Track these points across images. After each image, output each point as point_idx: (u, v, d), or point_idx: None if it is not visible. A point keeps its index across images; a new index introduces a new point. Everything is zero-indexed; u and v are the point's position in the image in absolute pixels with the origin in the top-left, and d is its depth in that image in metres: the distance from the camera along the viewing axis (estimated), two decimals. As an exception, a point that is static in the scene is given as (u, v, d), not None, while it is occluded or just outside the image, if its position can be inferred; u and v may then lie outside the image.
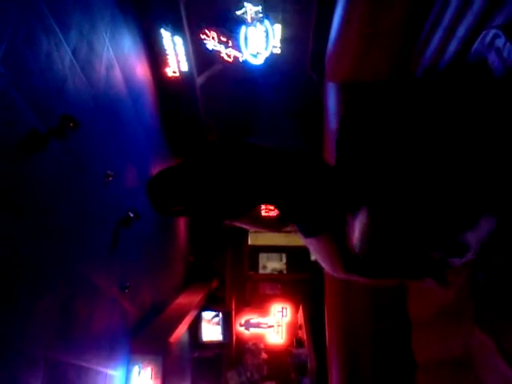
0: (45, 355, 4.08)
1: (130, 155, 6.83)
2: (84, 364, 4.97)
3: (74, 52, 4.76)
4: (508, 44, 1.76)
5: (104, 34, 5.86)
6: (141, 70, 8.00)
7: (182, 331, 8.36)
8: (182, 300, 9.79)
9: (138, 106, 7.62)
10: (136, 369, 6.52)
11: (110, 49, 6.06)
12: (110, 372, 5.82)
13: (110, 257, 5.83)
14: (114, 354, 6.01)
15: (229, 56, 8.66)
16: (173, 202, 1.55)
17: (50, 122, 4.08)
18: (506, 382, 1.94)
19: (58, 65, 4.42)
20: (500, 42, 1.80)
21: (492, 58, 1.84)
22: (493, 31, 1.87)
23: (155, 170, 1.53)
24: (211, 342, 11.65)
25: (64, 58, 4.55)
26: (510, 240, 1.44)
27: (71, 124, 4.14)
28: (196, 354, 11.26)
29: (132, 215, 6.24)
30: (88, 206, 5.14)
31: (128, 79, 6.91)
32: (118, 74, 6.42)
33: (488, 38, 1.89)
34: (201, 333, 11.54)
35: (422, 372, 2.95)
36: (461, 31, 2.56)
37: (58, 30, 4.35)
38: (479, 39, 1.97)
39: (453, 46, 2.68)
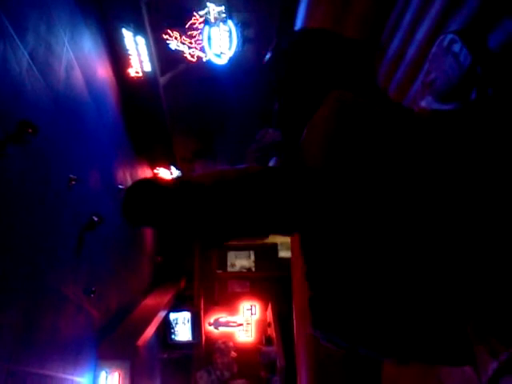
0: (7, 366, 3.99)
1: (92, 157, 6.72)
2: (49, 372, 4.89)
3: (31, 54, 4.65)
4: (464, 49, 1.82)
5: (63, 34, 5.73)
6: (102, 70, 7.87)
7: (150, 333, 8.29)
8: (150, 301, 9.71)
9: (101, 107, 7.49)
10: (103, 374, 6.44)
11: (70, 50, 5.93)
12: (76, 379, 5.73)
13: (74, 262, 5.74)
14: (80, 360, 5.92)
15: (192, 56, 8.60)
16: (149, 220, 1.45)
17: (7, 128, 3.98)
18: (467, 381, 2.00)
19: (15, 68, 4.31)
20: (457, 47, 1.84)
21: (449, 62, 1.90)
22: (449, 36, 1.91)
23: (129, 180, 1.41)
24: (180, 342, 11.61)
25: (21, 60, 4.44)
26: None
27: (30, 130, 4.04)
28: (165, 355, 11.20)
29: (96, 219, 6.14)
30: (51, 212, 5.04)
31: (89, 81, 6.78)
32: (78, 75, 6.30)
33: (445, 43, 1.93)
34: (170, 333, 11.48)
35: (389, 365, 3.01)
36: (420, 34, 2.63)
37: (13, 32, 4.23)
38: (437, 43, 2.01)
39: (412, 50, 2.75)
